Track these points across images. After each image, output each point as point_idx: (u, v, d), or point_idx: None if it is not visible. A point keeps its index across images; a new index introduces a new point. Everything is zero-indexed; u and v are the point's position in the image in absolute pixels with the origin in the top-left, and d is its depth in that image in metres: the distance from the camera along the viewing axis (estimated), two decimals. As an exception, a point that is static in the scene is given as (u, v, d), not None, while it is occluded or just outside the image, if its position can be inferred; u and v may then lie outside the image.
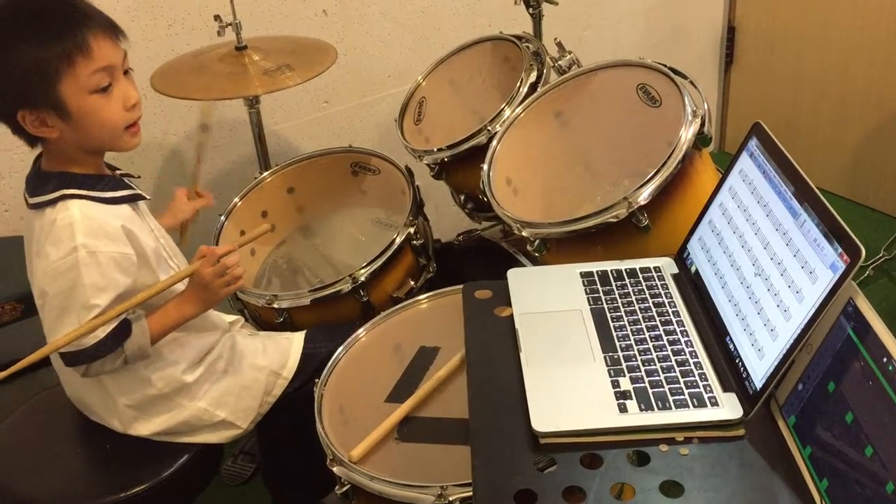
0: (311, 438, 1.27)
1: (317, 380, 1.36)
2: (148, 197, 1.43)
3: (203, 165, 1.74)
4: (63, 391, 1.51)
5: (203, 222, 1.76)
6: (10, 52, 1.21)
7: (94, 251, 1.26)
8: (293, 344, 1.60)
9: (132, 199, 1.39)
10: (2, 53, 1.21)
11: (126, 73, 1.33)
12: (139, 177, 1.50)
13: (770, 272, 1.07)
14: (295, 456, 1.68)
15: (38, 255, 1.29)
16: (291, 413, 1.58)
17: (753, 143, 1.17)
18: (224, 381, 1.51)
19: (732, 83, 3.24)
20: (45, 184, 1.30)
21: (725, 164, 1.22)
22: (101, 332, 1.29)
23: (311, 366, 1.56)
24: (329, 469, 1.22)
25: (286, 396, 1.57)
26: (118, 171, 1.44)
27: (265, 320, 1.73)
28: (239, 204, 1.86)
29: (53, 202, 1.28)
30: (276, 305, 1.64)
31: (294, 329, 1.66)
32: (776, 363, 1.00)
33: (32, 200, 1.31)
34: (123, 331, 1.32)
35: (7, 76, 1.22)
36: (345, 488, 1.19)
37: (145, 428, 1.45)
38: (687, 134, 1.40)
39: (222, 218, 1.83)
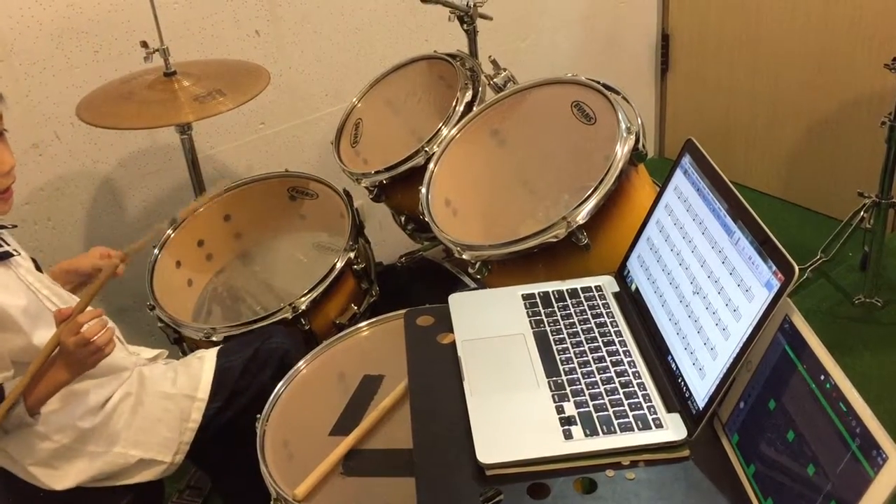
0: (257, 472, 1.24)
1: (259, 415, 1.33)
2: (17, 253, 1.36)
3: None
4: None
5: (137, 255, 1.70)
6: None
7: None
8: (205, 363, 1.54)
9: None
10: None
11: (0, 135, 1.28)
12: (15, 226, 1.43)
13: (708, 290, 1.07)
14: (242, 491, 1.64)
15: None
16: (228, 443, 1.54)
17: (686, 161, 1.18)
18: (132, 418, 1.46)
19: (669, 90, 3.28)
20: None
21: (665, 170, 1.22)
22: None
23: (230, 379, 1.51)
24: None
25: (215, 420, 1.52)
26: None
27: (205, 353, 1.68)
28: (172, 235, 1.82)
29: None
30: (214, 339, 1.60)
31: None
32: (717, 382, 1.00)
33: None
34: None
35: None
36: (291, 527, 1.16)
37: (66, 480, 1.39)
38: (622, 151, 1.40)
39: (156, 250, 1.78)
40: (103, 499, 1.41)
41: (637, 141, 1.43)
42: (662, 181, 1.24)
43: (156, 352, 1.60)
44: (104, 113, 1.72)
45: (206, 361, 1.55)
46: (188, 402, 1.51)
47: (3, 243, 1.35)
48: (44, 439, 1.37)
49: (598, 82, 1.53)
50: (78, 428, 1.39)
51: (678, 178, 1.20)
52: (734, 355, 0.99)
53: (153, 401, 1.48)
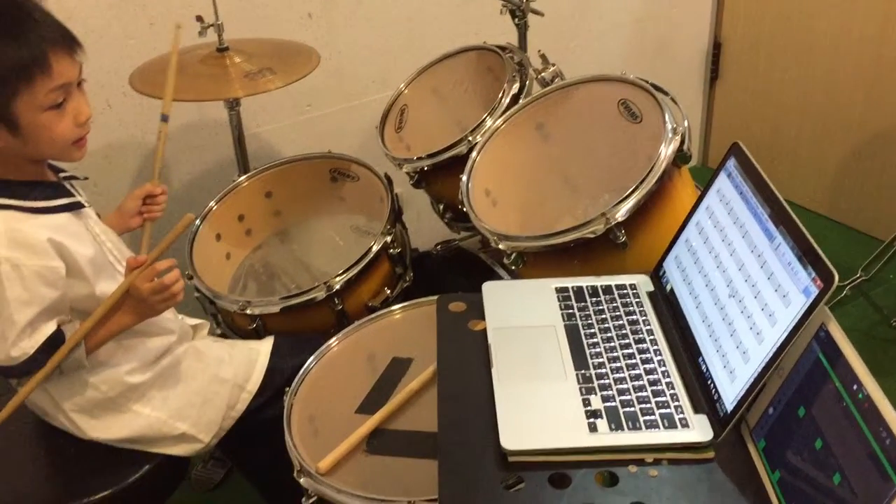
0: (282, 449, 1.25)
1: (287, 388, 1.34)
2: (87, 204, 1.38)
3: (162, 157, 1.57)
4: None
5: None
6: None
7: (17, 265, 1.23)
8: (259, 356, 1.56)
9: (70, 208, 1.33)
10: None
11: (79, 84, 1.29)
12: (86, 178, 1.45)
13: (744, 294, 1.06)
14: (264, 474, 1.67)
15: None
16: (259, 437, 1.56)
17: (731, 164, 1.17)
18: (184, 391, 1.48)
19: (717, 98, 3.25)
20: None
21: (708, 179, 1.22)
22: (30, 348, 1.26)
23: (278, 380, 1.53)
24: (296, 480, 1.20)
25: (252, 413, 1.54)
26: (63, 174, 1.39)
27: (238, 326, 1.71)
28: (215, 207, 1.84)
29: None
30: (248, 312, 1.62)
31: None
32: (747, 386, 1.00)
33: None
34: (54, 344, 1.29)
35: None
36: (311, 500, 1.18)
37: (103, 433, 1.42)
38: (666, 151, 1.40)
39: (197, 221, 1.81)
40: (131, 459, 1.44)
41: (682, 142, 1.42)
42: (705, 185, 1.24)
43: (198, 321, 1.63)
44: (156, 84, 1.75)
45: (261, 355, 1.57)
46: (237, 392, 1.53)
47: (76, 193, 1.38)
48: (90, 388, 1.39)
49: (647, 82, 1.52)
50: (126, 383, 1.42)
51: (721, 180, 1.19)
52: (766, 360, 0.98)
53: (206, 380, 1.50)
